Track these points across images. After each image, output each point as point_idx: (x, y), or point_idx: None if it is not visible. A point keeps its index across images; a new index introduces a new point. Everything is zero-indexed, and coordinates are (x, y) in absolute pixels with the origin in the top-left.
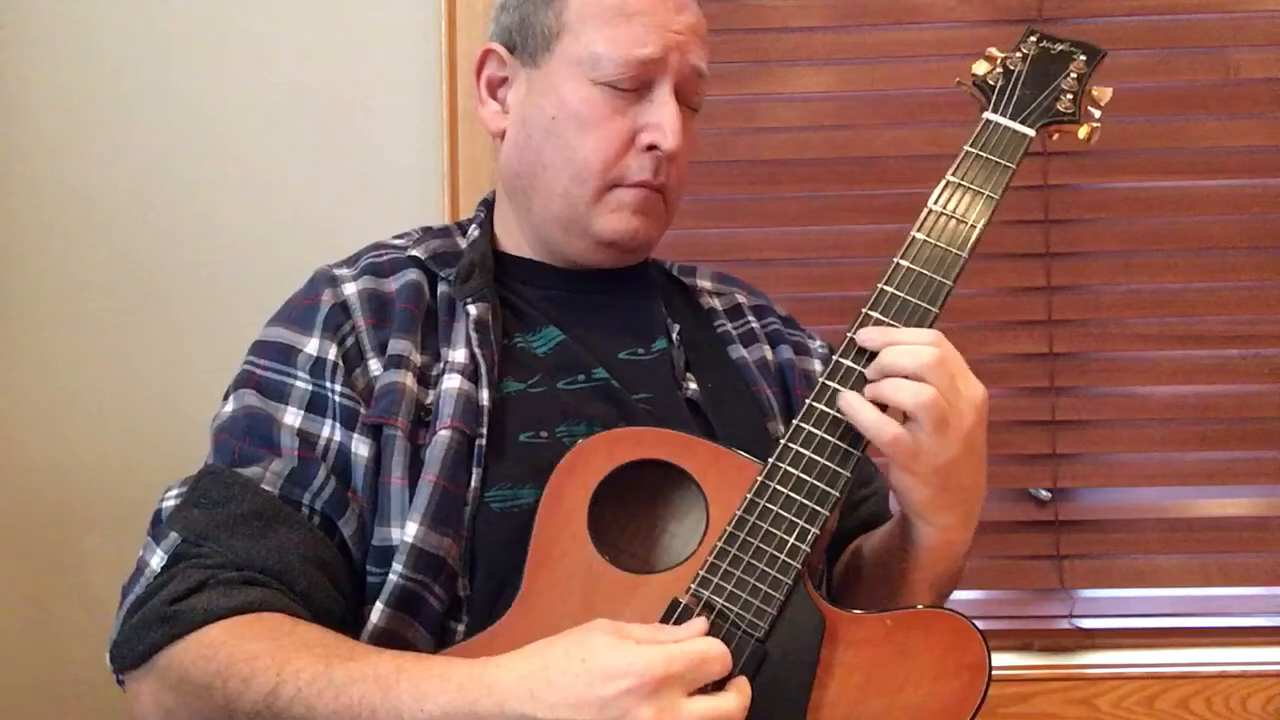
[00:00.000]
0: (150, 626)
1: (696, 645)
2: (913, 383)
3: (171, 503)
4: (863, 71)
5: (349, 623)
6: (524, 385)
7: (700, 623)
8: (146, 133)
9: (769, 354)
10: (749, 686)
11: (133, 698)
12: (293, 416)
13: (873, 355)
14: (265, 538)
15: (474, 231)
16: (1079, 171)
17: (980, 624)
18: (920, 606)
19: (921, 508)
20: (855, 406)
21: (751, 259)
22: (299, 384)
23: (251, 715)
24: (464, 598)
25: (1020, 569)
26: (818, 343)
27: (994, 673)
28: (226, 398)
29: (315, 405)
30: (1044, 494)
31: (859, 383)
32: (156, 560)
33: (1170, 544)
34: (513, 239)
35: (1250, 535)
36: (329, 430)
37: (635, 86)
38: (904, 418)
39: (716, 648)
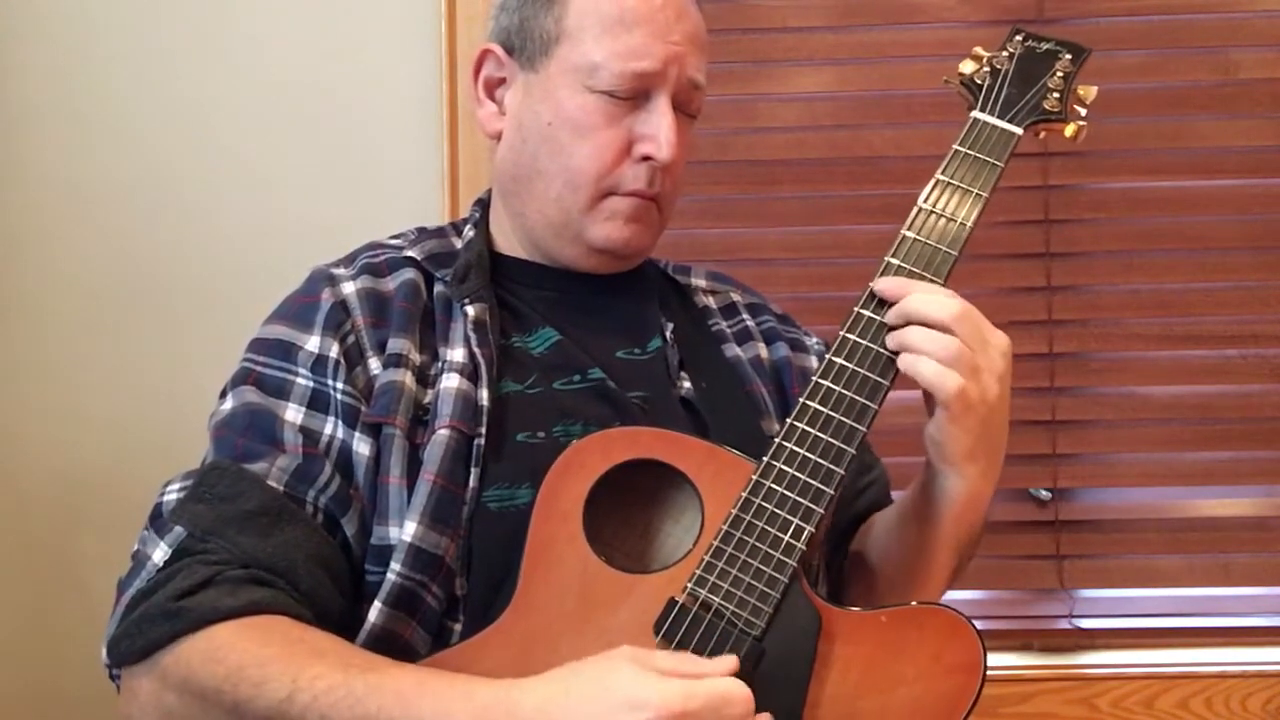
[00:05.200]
0: (153, 621)
1: (719, 685)
2: (941, 334)
3: (174, 496)
4: (862, 71)
5: (348, 622)
6: (521, 386)
7: (729, 661)
8: (146, 132)
9: (764, 352)
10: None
11: (128, 694)
12: (294, 413)
13: (867, 353)
14: (271, 535)
15: (469, 232)
16: (1079, 171)
17: (980, 624)
18: (915, 603)
19: (960, 457)
20: (915, 363)
21: (751, 259)
22: (300, 381)
23: None
24: (461, 597)
25: (1020, 569)
26: (814, 340)
27: (994, 673)
28: (224, 395)
29: (317, 402)
30: (1044, 494)
31: (853, 380)
32: (159, 554)
33: (1170, 544)
34: (507, 240)
35: (1250, 535)
36: (331, 428)
37: (632, 95)
38: None
39: (740, 690)
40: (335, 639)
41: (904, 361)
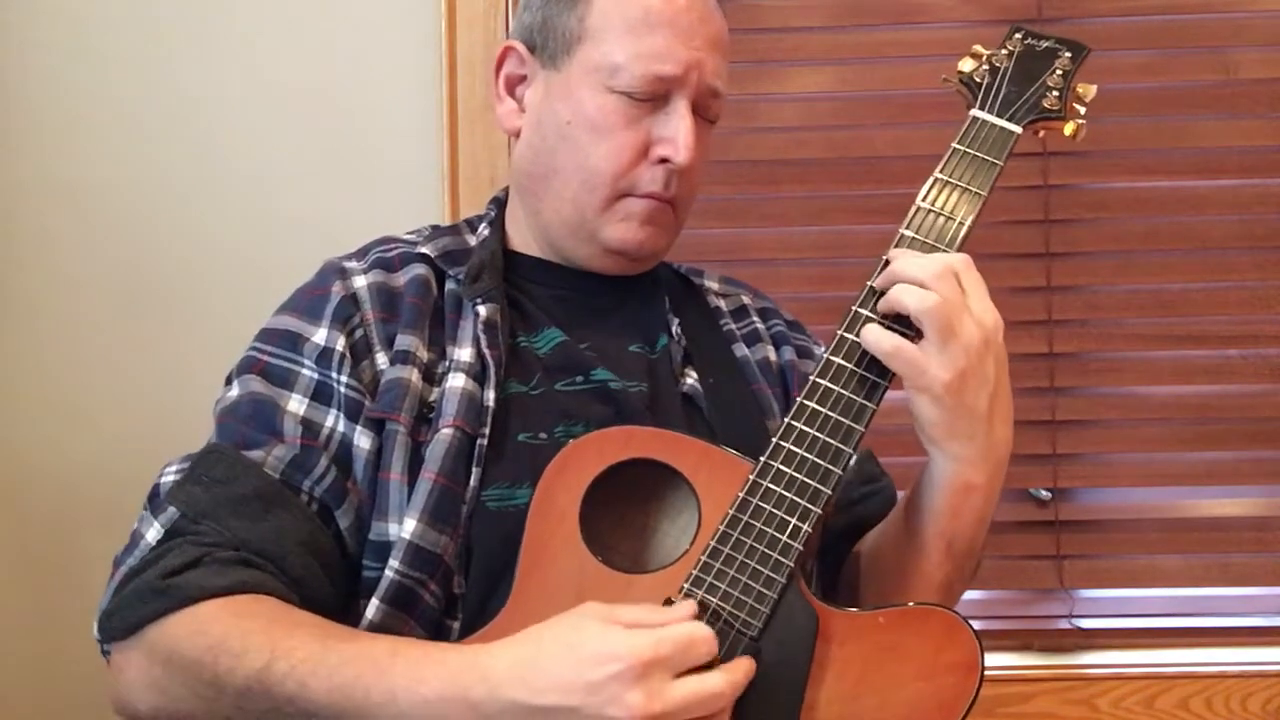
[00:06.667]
0: (143, 599)
1: (683, 629)
2: (917, 288)
3: (171, 478)
4: (863, 71)
5: (337, 613)
6: (526, 387)
7: (689, 605)
8: (146, 132)
9: (772, 355)
10: (750, 664)
11: (118, 669)
12: (297, 404)
13: (865, 353)
14: (264, 520)
15: (484, 230)
16: (1079, 171)
17: (980, 624)
18: (913, 604)
19: (936, 432)
20: (863, 328)
21: (752, 259)
22: (305, 372)
23: (242, 690)
24: (459, 595)
25: (1020, 569)
26: (822, 349)
27: (994, 673)
28: (229, 381)
29: (320, 394)
30: (1044, 494)
31: (851, 380)
32: (153, 533)
33: (1170, 544)
34: (522, 237)
35: (1250, 535)
36: (332, 420)
37: (652, 97)
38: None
39: (703, 631)
40: (316, 616)
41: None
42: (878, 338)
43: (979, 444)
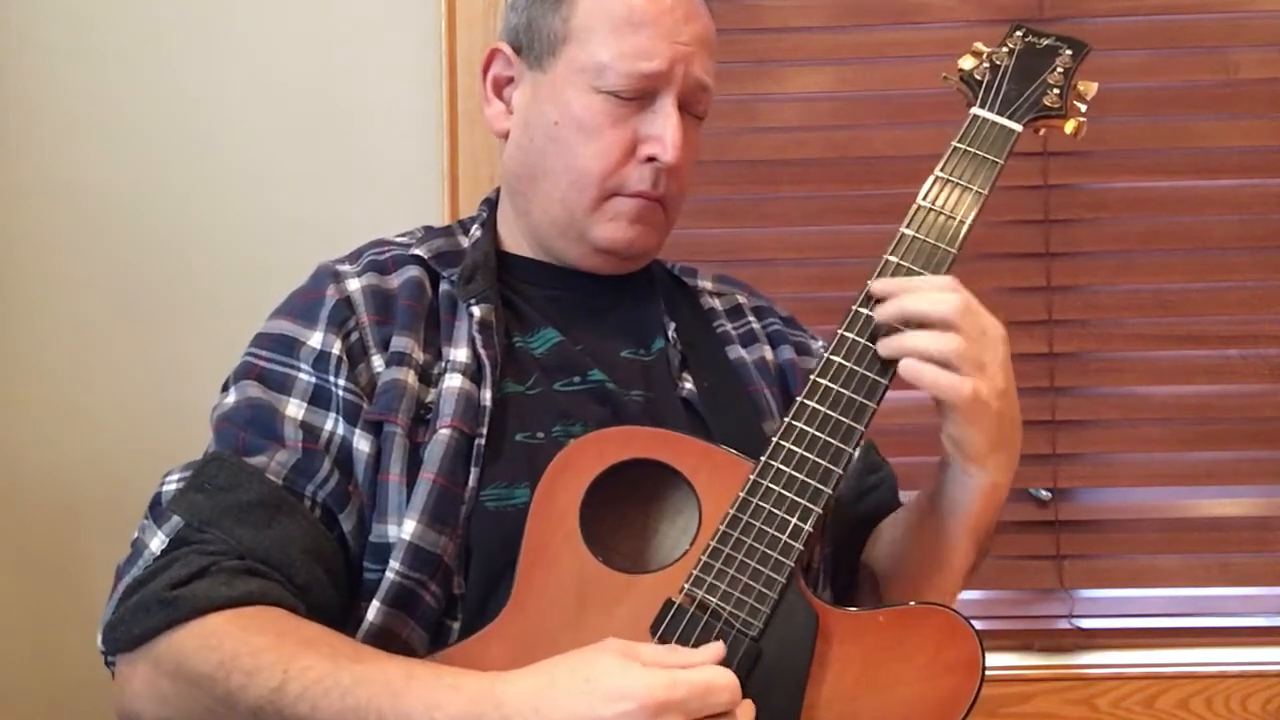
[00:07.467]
0: (148, 610)
1: (703, 674)
2: (942, 334)
3: (173, 486)
4: (863, 71)
5: (343, 618)
6: (523, 387)
7: (716, 648)
8: (145, 132)
9: (769, 354)
10: (753, 710)
11: (123, 680)
12: (295, 408)
13: (865, 352)
14: (269, 528)
15: (476, 231)
16: (1079, 171)
17: (980, 624)
18: (913, 603)
19: (980, 454)
20: (920, 370)
21: (751, 259)
22: (302, 376)
23: (254, 709)
24: (459, 595)
25: (1020, 569)
26: (819, 343)
27: (994, 673)
28: (226, 388)
29: (318, 398)
30: (1044, 494)
31: (851, 379)
32: (156, 543)
33: (1170, 544)
34: (514, 238)
35: (1250, 535)
36: (332, 424)
37: (638, 96)
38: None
39: (725, 678)
40: (328, 630)
41: (908, 369)
42: (935, 377)
43: (1013, 448)
